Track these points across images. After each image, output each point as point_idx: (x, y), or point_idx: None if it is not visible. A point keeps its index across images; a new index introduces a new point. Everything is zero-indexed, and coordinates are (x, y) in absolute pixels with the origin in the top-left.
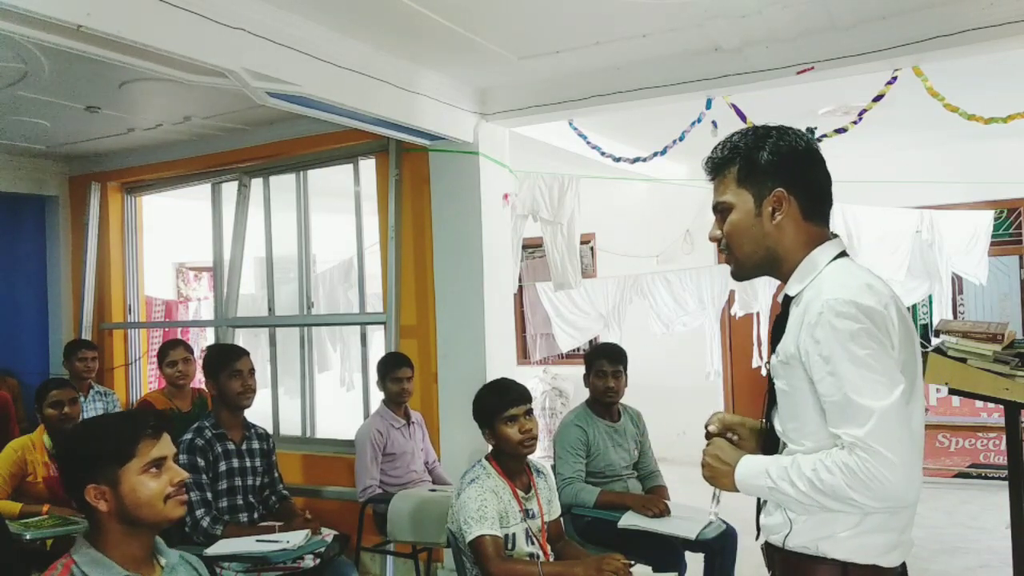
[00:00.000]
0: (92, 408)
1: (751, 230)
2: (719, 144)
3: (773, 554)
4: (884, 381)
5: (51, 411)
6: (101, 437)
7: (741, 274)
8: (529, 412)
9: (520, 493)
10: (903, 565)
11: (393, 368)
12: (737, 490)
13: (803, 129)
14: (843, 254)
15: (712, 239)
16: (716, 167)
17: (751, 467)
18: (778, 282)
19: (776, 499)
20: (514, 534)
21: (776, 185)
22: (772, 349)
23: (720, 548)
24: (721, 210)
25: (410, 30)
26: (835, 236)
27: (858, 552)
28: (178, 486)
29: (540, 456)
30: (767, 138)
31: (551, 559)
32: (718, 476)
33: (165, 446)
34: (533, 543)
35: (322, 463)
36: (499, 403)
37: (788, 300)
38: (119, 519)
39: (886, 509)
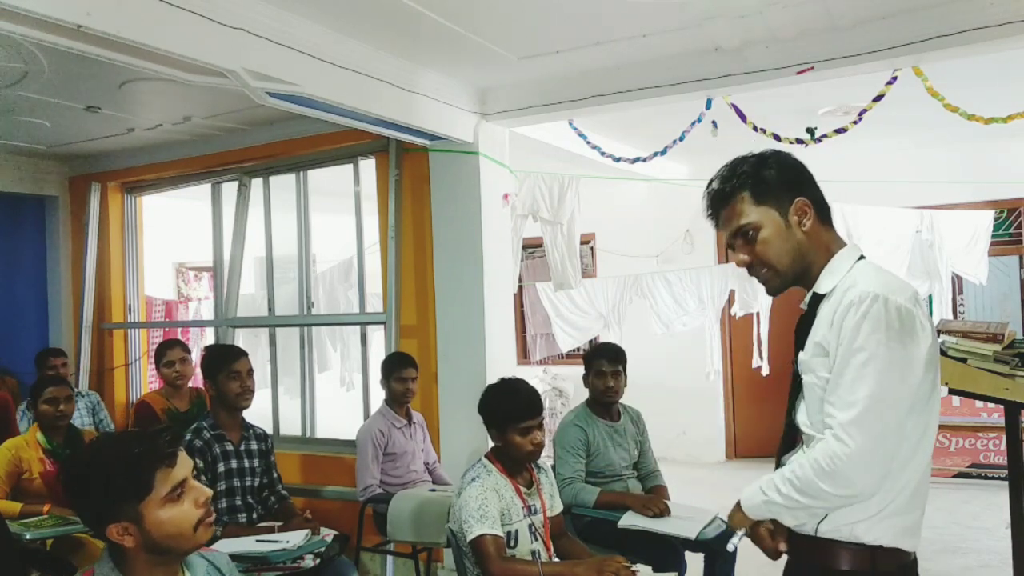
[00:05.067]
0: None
1: (787, 243)
2: (715, 179)
3: (800, 542)
4: (890, 379)
5: (46, 407)
6: (111, 474)
7: (781, 289)
8: (541, 423)
9: (523, 488)
10: (915, 555)
11: (398, 368)
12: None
13: (803, 129)
14: (862, 257)
15: (741, 264)
16: (725, 197)
17: (747, 493)
18: None
19: (773, 512)
20: (517, 530)
21: (795, 195)
22: (799, 348)
23: (720, 548)
24: (745, 233)
25: (410, 30)
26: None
27: (885, 534)
28: (205, 506)
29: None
30: (765, 159)
31: (553, 554)
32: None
33: (183, 467)
34: (537, 538)
35: (322, 463)
36: (515, 412)
37: (818, 299)
38: (147, 550)
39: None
